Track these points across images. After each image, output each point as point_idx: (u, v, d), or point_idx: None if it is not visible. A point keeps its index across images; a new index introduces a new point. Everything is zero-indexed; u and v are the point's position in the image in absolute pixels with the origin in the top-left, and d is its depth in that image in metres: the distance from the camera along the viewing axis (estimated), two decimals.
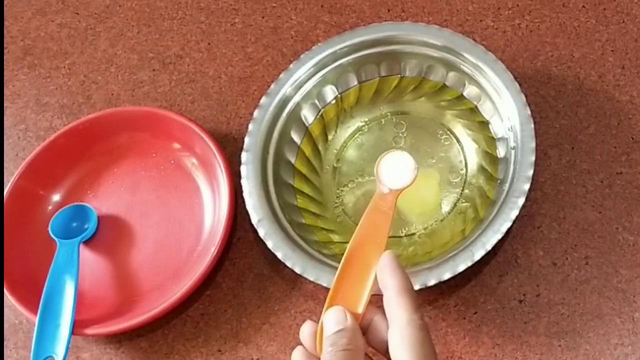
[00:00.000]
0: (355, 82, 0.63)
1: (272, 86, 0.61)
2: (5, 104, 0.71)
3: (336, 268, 0.52)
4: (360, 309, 0.40)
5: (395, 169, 0.43)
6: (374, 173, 0.44)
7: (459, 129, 0.62)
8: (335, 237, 0.58)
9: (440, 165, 0.60)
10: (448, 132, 0.62)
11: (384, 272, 0.40)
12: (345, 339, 0.38)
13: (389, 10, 0.71)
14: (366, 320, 0.40)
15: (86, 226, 0.61)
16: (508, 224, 0.51)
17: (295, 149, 0.61)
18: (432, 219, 0.58)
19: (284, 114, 0.60)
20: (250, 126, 0.59)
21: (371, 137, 0.63)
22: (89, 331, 0.55)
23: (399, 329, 0.38)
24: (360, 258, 0.41)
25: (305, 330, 0.40)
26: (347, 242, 0.56)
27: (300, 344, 0.41)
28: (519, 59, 0.66)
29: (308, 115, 0.62)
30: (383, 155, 0.44)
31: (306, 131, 0.62)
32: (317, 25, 0.71)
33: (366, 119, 0.64)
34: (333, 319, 0.39)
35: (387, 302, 0.39)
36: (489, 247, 0.51)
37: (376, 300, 0.40)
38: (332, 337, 0.38)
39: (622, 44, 0.66)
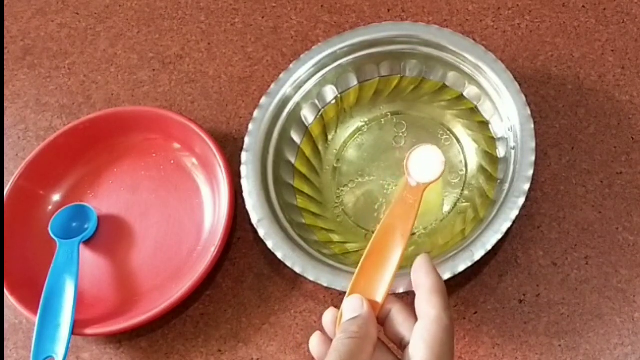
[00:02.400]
0: (355, 82, 0.63)
1: (272, 86, 0.61)
2: (5, 104, 0.71)
3: (336, 268, 0.52)
4: (379, 298, 0.41)
5: (424, 163, 0.45)
6: (403, 166, 0.45)
7: (459, 129, 0.61)
8: (335, 237, 0.58)
9: None
10: (448, 132, 0.62)
11: (419, 272, 0.41)
12: (355, 326, 0.39)
13: (389, 10, 0.71)
14: (386, 310, 0.41)
15: (86, 226, 0.61)
16: (508, 224, 0.51)
17: (295, 149, 0.61)
18: (432, 219, 0.58)
19: (284, 114, 0.60)
20: (250, 126, 0.59)
21: (371, 137, 0.63)
22: (89, 331, 0.55)
23: (425, 324, 0.39)
24: (383, 248, 0.42)
25: (327, 316, 0.42)
26: (347, 242, 0.57)
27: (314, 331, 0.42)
28: (519, 59, 0.66)
29: (308, 115, 0.62)
30: (413, 149, 0.46)
31: (306, 131, 0.62)
32: (317, 25, 0.71)
33: (366, 119, 0.64)
34: (350, 306, 0.40)
35: (419, 300, 0.40)
36: (489, 247, 0.51)
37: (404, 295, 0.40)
38: (345, 324, 0.40)
39: (622, 44, 0.66)
